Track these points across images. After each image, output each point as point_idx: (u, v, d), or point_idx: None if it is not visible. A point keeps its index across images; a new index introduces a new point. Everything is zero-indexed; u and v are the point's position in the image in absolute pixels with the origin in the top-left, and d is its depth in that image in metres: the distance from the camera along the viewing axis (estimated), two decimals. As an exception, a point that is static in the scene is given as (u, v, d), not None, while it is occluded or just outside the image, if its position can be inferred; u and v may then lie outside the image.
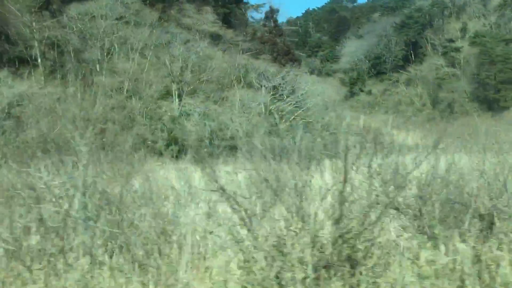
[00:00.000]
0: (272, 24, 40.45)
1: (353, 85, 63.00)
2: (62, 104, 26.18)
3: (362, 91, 62.35)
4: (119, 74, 29.97)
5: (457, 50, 55.39)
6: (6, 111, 24.55)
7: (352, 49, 69.86)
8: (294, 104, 29.98)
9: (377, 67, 63.73)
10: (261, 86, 30.04)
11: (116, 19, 31.52)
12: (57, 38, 29.18)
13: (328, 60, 75.28)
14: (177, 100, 29.62)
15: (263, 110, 30.12)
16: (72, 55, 30.75)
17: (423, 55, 61.13)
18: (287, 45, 39.88)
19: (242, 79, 30.34)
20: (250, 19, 43.57)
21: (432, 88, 54.81)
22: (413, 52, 61.07)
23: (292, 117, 30.78)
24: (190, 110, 27.78)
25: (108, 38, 30.37)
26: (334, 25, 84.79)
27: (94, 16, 30.42)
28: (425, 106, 54.88)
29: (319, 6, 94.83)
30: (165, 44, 29.61)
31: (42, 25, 30.23)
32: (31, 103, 25.02)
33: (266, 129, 28.00)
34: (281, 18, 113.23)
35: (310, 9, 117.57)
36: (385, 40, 63.71)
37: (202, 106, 27.47)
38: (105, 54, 30.00)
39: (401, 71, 60.08)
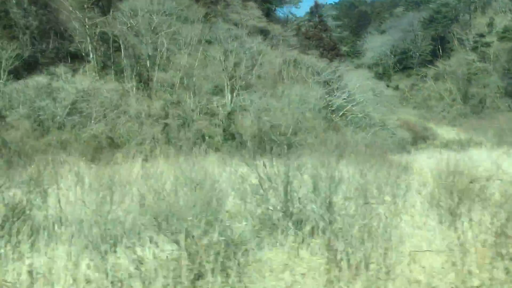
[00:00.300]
0: (317, 19, 40.47)
1: (379, 80, 62.88)
2: (123, 100, 26.43)
3: (388, 86, 62.23)
4: (172, 69, 30.17)
5: (488, 45, 55.22)
6: (70, 106, 24.82)
7: (376, 44, 69.67)
8: (345, 99, 30.11)
9: (403, 62, 63.60)
10: (312, 82, 30.16)
11: (166, 14, 31.67)
12: (113, 33, 29.34)
13: (349, 55, 75.17)
14: (229, 95, 29.78)
15: (313, 106, 30.25)
16: (123, 51, 30.96)
17: (450, 50, 60.96)
18: (333, 40, 39.91)
19: (292, 75, 30.46)
20: (290, 15, 43.63)
21: (462, 83, 54.69)
22: (440, 47, 60.91)
23: (341, 112, 30.92)
24: (246, 105, 27.94)
25: (159, 34, 30.52)
26: (354, 20, 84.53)
27: (146, 12, 30.55)
28: (455, 101, 54.80)
29: (337, 0, 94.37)
30: (221, 39, 29.70)
31: (94, 21, 30.42)
32: (94, 98, 25.27)
33: (322, 124, 28.19)
34: (299, 13, 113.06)
35: (328, 3, 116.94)
36: (411, 34, 63.50)
37: (258, 101, 27.63)
38: (158, 50, 30.13)
39: (429, 66, 59.92)
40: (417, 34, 62.63)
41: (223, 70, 29.02)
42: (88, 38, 30.54)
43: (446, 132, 40.02)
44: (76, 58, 30.58)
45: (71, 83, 25.79)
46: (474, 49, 56.52)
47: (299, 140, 27.06)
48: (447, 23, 61.29)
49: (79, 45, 30.16)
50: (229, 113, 28.00)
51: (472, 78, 54.05)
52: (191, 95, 29.14)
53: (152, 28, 30.66)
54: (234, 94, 29.86)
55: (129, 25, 29.93)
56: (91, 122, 24.37)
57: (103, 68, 31.07)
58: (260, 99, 27.07)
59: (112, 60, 30.32)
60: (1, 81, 26.16)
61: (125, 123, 23.85)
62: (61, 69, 27.09)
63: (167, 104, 27.06)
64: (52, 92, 24.99)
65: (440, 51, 61.05)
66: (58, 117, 24.44)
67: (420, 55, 62.09)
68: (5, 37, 27.16)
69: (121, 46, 30.89)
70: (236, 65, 29.47)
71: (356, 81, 30.99)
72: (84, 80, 26.56)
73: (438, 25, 61.12)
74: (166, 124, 25.30)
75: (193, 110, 27.54)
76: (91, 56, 30.87)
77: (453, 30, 62.29)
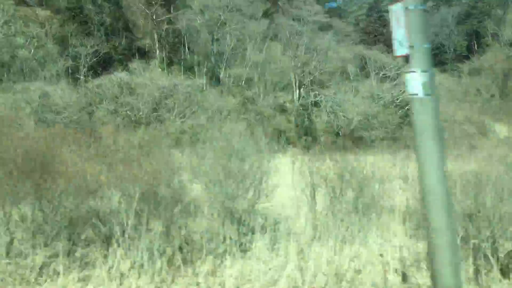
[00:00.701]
0: (376, 14, 40.62)
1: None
2: (202, 96, 26.68)
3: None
4: (241, 66, 30.39)
5: (527, 40, 55.09)
6: (154, 102, 25.10)
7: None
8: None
9: (436, 58, 63.39)
10: (379, 77, 30.36)
11: (230, 10, 31.85)
12: (180, 30, 29.59)
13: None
14: (297, 91, 30.01)
15: (384, 101, 30.38)
16: (190, 47, 31.22)
17: (485, 45, 60.81)
18: None
19: (358, 70, 30.65)
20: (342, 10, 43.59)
21: (500, 79, 54.61)
22: (476, 42, 60.86)
23: (407, 107, 31.01)
24: (319, 100, 28.17)
25: (226, 30, 30.73)
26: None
27: (213, 8, 30.75)
28: (493, 97, 54.72)
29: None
30: (288, 35, 29.88)
31: (162, 18, 30.70)
32: (176, 94, 25.55)
33: (393, 119, 28.37)
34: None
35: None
36: (445, 30, 63.37)
37: (333, 96, 27.85)
38: (226, 46, 30.33)
39: (464, 61, 59.81)
40: (452, 29, 62.50)
41: (294, 66, 29.19)
42: (156, 35, 30.83)
43: (498, 127, 40.01)
44: (143, 54, 30.89)
45: (152, 80, 26.00)
46: (511, 44, 56.38)
47: (373, 135, 27.27)
48: (483, 18, 61.18)
49: (148, 41, 30.46)
50: (302, 109, 28.22)
51: (510, 74, 53.96)
52: (261, 91, 29.39)
53: (218, 24, 30.86)
54: (302, 90, 30.10)
55: (198, 21, 30.11)
56: (175, 118, 24.64)
57: (170, 64, 31.37)
58: (335, 94, 27.24)
59: (182, 56, 30.59)
60: (81, 77, 26.52)
61: (210, 118, 24.10)
62: (138, 65, 27.35)
63: (243, 100, 27.30)
64: (135, 88, 25.24)
65: (475, 46, 60.95)
66: (141, 113, 24.74)
67: (454, 50, 62.00)
68: (80, 34, 27.45)
69: (187, 42, 31.19)
70: (305, 61, 29.64)
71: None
72: (161, 76, 26.81)
73: (475, 20, 61.05)
74: (247, 120, 25.52)
75: (270, 107, 27.78)
76: (157, 52, 31.16)
77: (486, 25, 62.13)
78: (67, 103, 22.30)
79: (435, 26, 66.25)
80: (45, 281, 6.24)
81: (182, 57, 30.52)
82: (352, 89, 28.64)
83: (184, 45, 30.99)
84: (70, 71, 27.06)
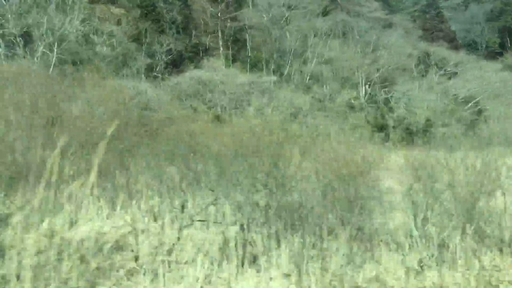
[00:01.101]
0: (434, 11, 40.82)
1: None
2: (276, 93, 26.85)
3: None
4: (304, 62, 30.56)
5: None
6: (235, 98, 25.29)
7: (435, 37, 69.50)
8: (474, 90, 30.40)
9: (468, 55, 63.46)
10: (443, 73, 30.51)
11: (293, 9, 32.01)
12: (245, 28, 29.76)
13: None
14: (364, 87, 30.18)
15: (443, 96, 30.50)
16: (251, 44, 31.37)
17: (518, 42, 60.80)
18: (452, 31, 40.28)
19: (422, 66, 30.78)
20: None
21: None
22: (509, 39, 60.80)
23: (470, 104, 31.18)
24: (390, 97, 28.31)
25: (289, 27, 30.91)
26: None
27: (277, 6, 30.90)
28: (530, 93, 54.73)
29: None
30: (354, 32, 30.02)
31: (226, 16, 30.87)
32: (251, 90, 25.74)
33: (462, 116, 28.50)
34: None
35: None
36: (477, 27, 63.33)
37: (401, 93, 27.99)
38: (290, 43, 30.49)
39: (498, 57, 59.79)
40: (484, 26, 62.49)
41: (360, 63, 29.34)
42: (220, 33, 31.01)
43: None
44: (207, 51, 31.07)
45: (229, 76, 26.22)
46: (547, 41, 56.35)
47: (444, 131, 27.40)
48: (516, 15, 61.19)
49: (213, 39, 30.65)
50: (376, 106, 28.42)
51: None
52: (328, 88, 29.54)
53: (282, 22, 31.02)
54: (367, 86, 30.27)
55: (265, 18, 30.26)
56: (255, 113, 24.81)
57: (234, 61, 31.55)
58: (407, 91, 27.40)
59: (248, 53, 30.77)
60: (159, 74, 26.72)
61: (297, 115, 24.36)
62: (210, 63, 27.55)
63: (316, 97, 27.49)
64: (214, 84, 25.45)
65: (509, 43, 60.88)
66: (222, 109, 24.96)
67: (487, 47, 61.96)
68: (154, 32, 27.62)
69: (250, 40, 31.35)
70: (371, 57, 29.80)
71: (483, 72, 31.31)
72: (236, 73, 27.02)
73: (508, 17, 61.02)
74: (327, 117, 25.72)
75: (339, 104, 27.94)
76: (221, 49, 31.35)
77: (519, 22, 62.08)
78: (157, 101, 22.50)
79: (466, 23, 66.22)
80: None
81: (248, 54, 30.68)
82: (418, 85, 28.80)
83: (248, 43, 31.14)
84: (145, 68, 27.21)
